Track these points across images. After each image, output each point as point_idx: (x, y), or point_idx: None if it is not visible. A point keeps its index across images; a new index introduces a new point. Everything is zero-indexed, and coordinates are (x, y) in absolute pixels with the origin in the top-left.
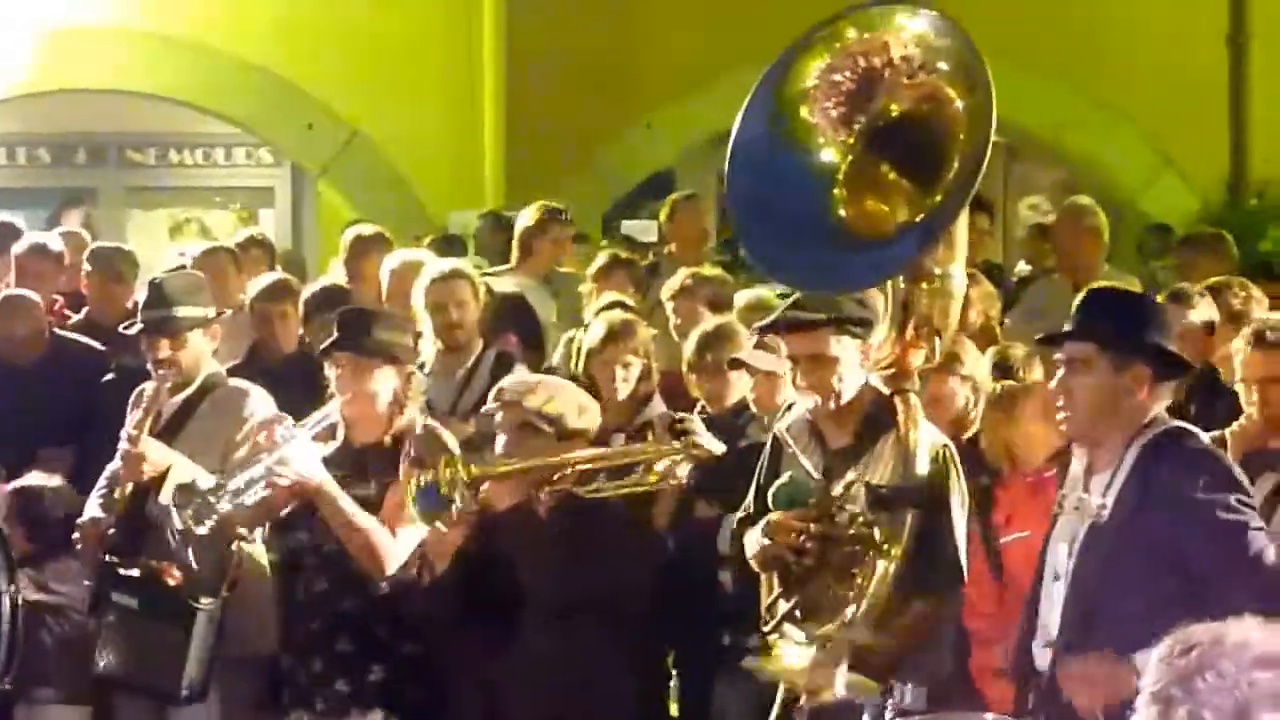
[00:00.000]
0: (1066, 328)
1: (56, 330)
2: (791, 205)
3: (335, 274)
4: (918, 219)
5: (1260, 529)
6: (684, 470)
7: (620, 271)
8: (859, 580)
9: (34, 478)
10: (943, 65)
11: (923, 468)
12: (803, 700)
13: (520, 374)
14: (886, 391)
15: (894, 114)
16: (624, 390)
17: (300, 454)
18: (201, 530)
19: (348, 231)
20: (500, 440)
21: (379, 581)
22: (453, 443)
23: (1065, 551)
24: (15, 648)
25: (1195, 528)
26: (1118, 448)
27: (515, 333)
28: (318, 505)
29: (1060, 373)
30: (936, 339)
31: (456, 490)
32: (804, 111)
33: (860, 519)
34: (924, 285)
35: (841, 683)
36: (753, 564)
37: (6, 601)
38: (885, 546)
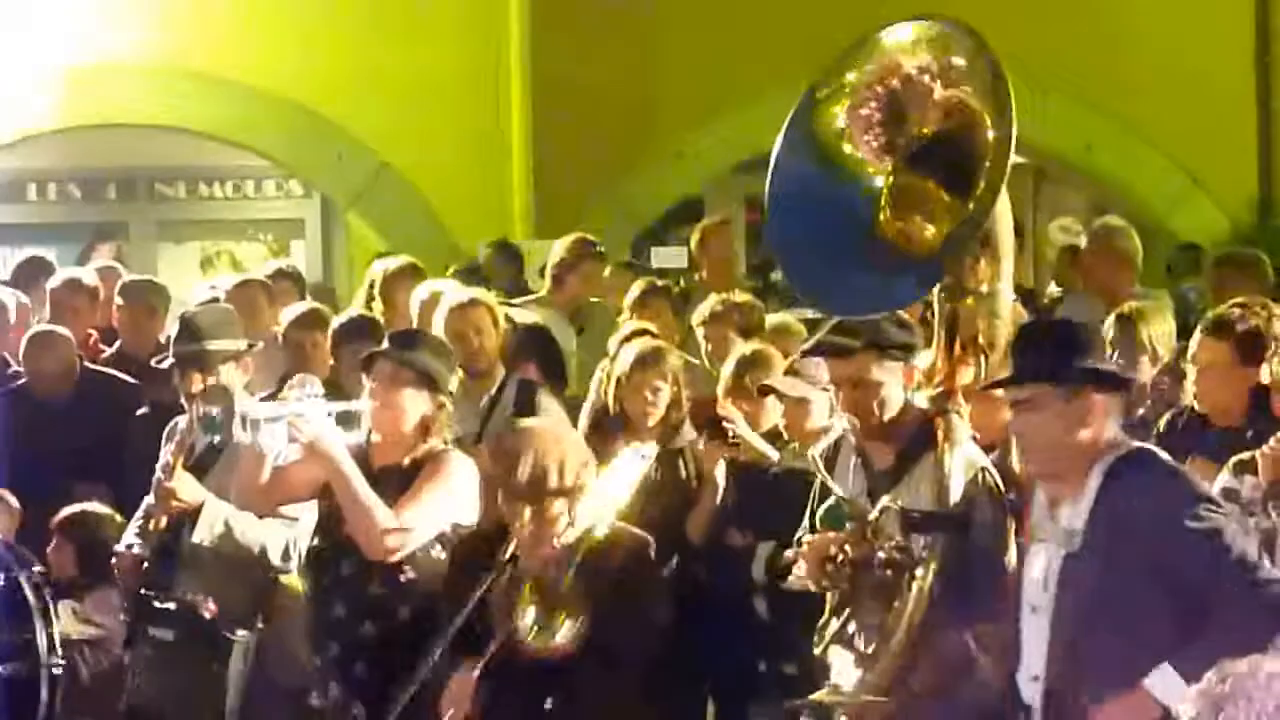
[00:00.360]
0: (1006, 373)
1: (87, 364)
2: (838, 232)
3: (360, 304)
4: (953, 230)
5: (1234, 529)
6: (721, 472)
7: (658, 299)
8: (896, 604)
9: (86, 505)
10: (958, 61)
11: (957, 490)
12: None
13: (521, 427)
14: (931, 412)
15: (926, 131)
16: (655, 416)
17: (321, 416)
18: (208, 439)
19: (375, 264)
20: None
21: (379, 562)
22: None
23: (1040, 584)
24: (55, 693)
25: (1173, 543)
26: (1081, 474)
27: (536, 362)
28: (324, 471)
29: (1011, 417)
30: (984, 357)
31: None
32: (847, 148)
33: (893, 543)
34: (969, 303)
35: None
36: (797, 584)
37: (46, 675)
38: (918, 570)
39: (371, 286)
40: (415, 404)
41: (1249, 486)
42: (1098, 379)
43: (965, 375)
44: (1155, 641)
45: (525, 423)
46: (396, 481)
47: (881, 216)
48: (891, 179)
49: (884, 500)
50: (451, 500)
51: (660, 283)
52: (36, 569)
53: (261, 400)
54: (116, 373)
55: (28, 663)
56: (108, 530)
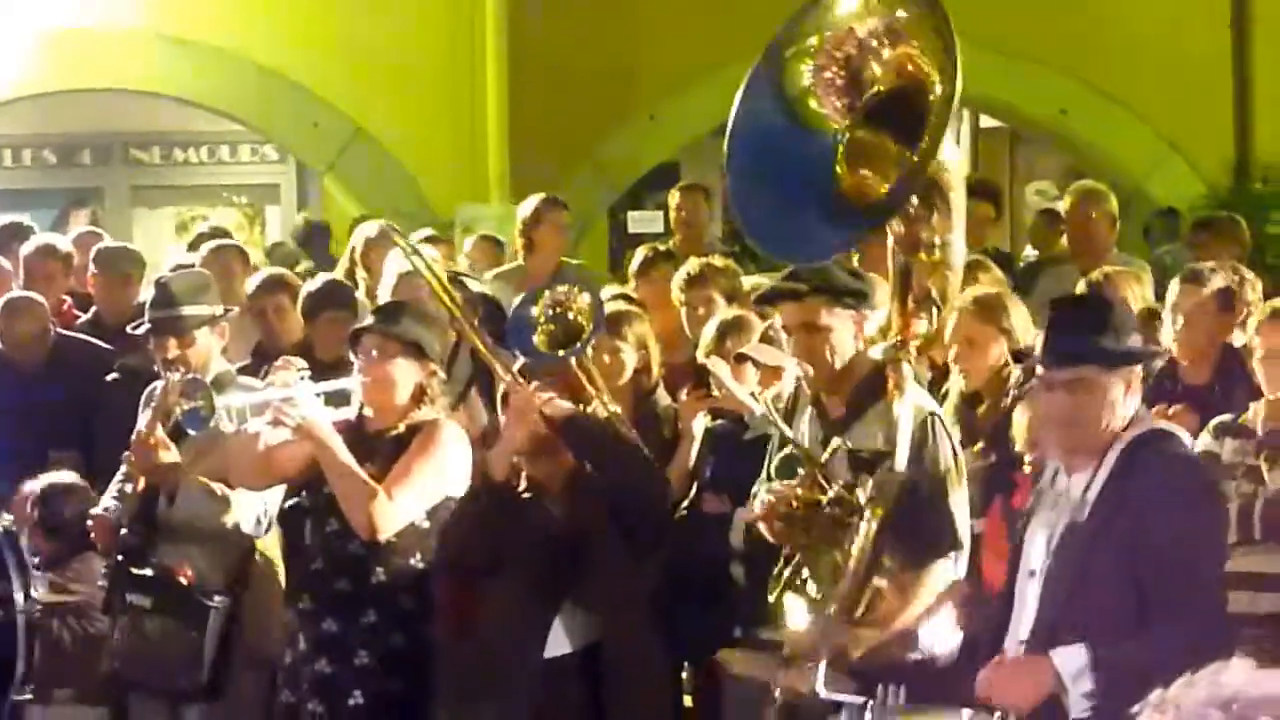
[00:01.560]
0: (1040, 350)
1: (60, 331)
2: (794, 182)
3: (342, 271)
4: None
5: (1219, 549)
6: (700, 426)
7: (661, 266)
8: (845, 544)
9: (53, 477)
10: (900, 14)
11: (906, 433)
12: (776, 695)
13: None
14: (882, 361)
15: (881, 91)
16: (619, 379)
17: (309, 399)
18: (190, 430)
19: (356, 231)
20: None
21: (374, 544)
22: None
23: (1042, 547)
24: (32, 657)
25: (1159, 532)
26: (1102, 447)
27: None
28: (315, 453)
29: (1055, 395)
30: (935, 309)
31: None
32: (813, 103)
33: (842, 483)
34: (922, 256)
35: (821, 682)
36: (757, 526)
37: (22, 621)
38: (866, 509)
39: (353, 253)
40: (406, 374)
41: (1229, 450)
42: (1140, 357)
43: (919, 327)
44: (1124, 620)
45: None
46: (390, 447)
47: (838, 170)
48: (846, 134)
49: (835, 442)
50: (443, 474)
51: (662, 248)
52: (6, 518)
53: (238, 371)
54: (90, 338)
55: (4, 610)
56: (76, 503)
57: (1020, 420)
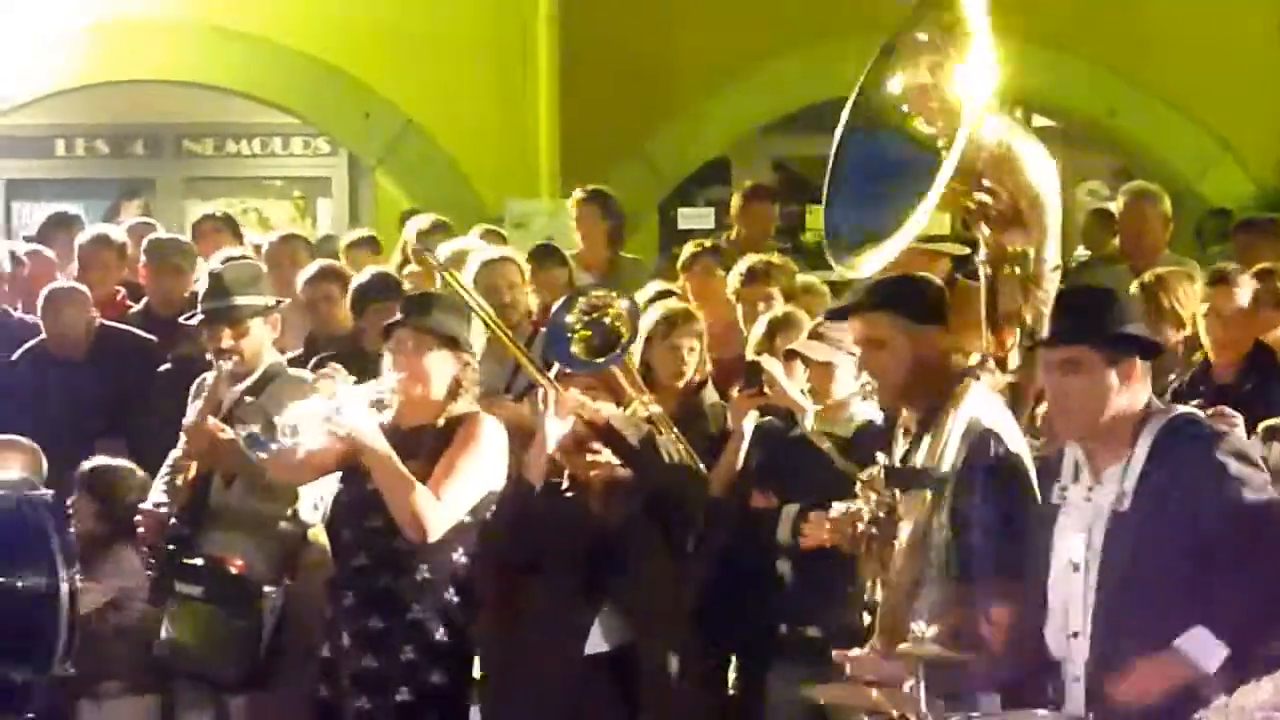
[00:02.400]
0: (1047, 333)
1: (103, 322)
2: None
3: (394, 265)
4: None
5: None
6: (749, 424)
7: (706, 261)
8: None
9: (110, 460)
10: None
11: (953, 448)
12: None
13: None
14: (958, 379)
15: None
16: (684, 378)
17: (355, 406)
18: (257, 456)
19: (408, 224)
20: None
21: (421, 545)
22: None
23: (1082, 542)
24: (75, 632)
25: (1220, 509)
26: (1123, 438)
27: None
28: (365, 461)
29: (1052, 377)
30: (1025, 323)
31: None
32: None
33: (881, 499)
34: (1008, 272)
35: (920, 706)
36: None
37: (65, 588)
38: (904, 525)
39: (405, 247)
40: (441, 367)
41: (1277, 453)
42: (1140, 345)
43: (1009, 342)
44: (1191, 601)
45: None
46: (431, 442)
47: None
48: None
49: (880, 457)
50: (485, 470)
51: (709, 243)
52: (44, 491)
53: (291, 361)
54: (134, 329)
55: (47, 577)
56: (129, 486)
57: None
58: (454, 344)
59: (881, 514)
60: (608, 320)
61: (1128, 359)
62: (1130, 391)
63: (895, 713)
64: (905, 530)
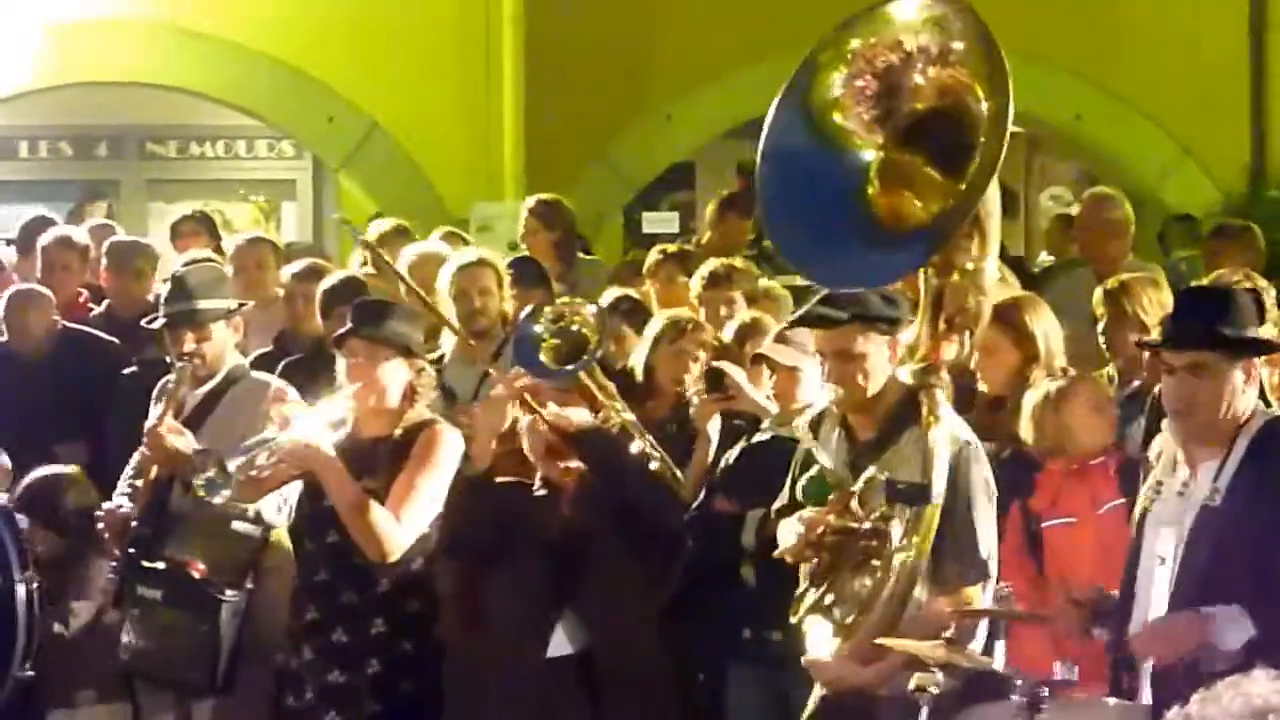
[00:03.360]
0: (1161, 333)
1: (66, 324)
2: (827, 204)
3: (354, 267)
4: (945, 209)
5: None
6: (715, 428)
7: (670, 266)
8: (878, 573)
9: (49, 468)
10: (957, 45)
11: (943, 464)
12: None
13: None
14: (914, 386)
15: (921, 109)
16: (689, 385)
17: (309, 428)
18: (214, 500)
19: (370, 228)
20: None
21: (381, 564)
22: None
23: (1171, 536)
24: (33, 635)
25: None
26: (1224, 437)
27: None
28: (322, 482)
29: (1176, 380)
30: (968, 333)
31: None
32: (838, 118)
33: (878, 513)
34: (956, 280)
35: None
36: (787, 558)
37: (22, 590)
38: (904, 540)
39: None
40: (396, 375)
41: None
42: (1262, 347)
43: (949, 351)
44: (1269, 601)
45: None
46: (389, 454)
47: (870, 191)
48: (881, 154)
49: (870, 471)
50: (445, 482)
51: (674, 249)
52: (3, 495)
53: (259, 359)
54: (96, 331)
55: (4, 578)
56: (70, 493)
57: (1037, 424)
58: (407, 351)
59: (882, 527)
60: (575, 328)
61: (1251, 363)
62: (1249, 394)
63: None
64: (905, 546)
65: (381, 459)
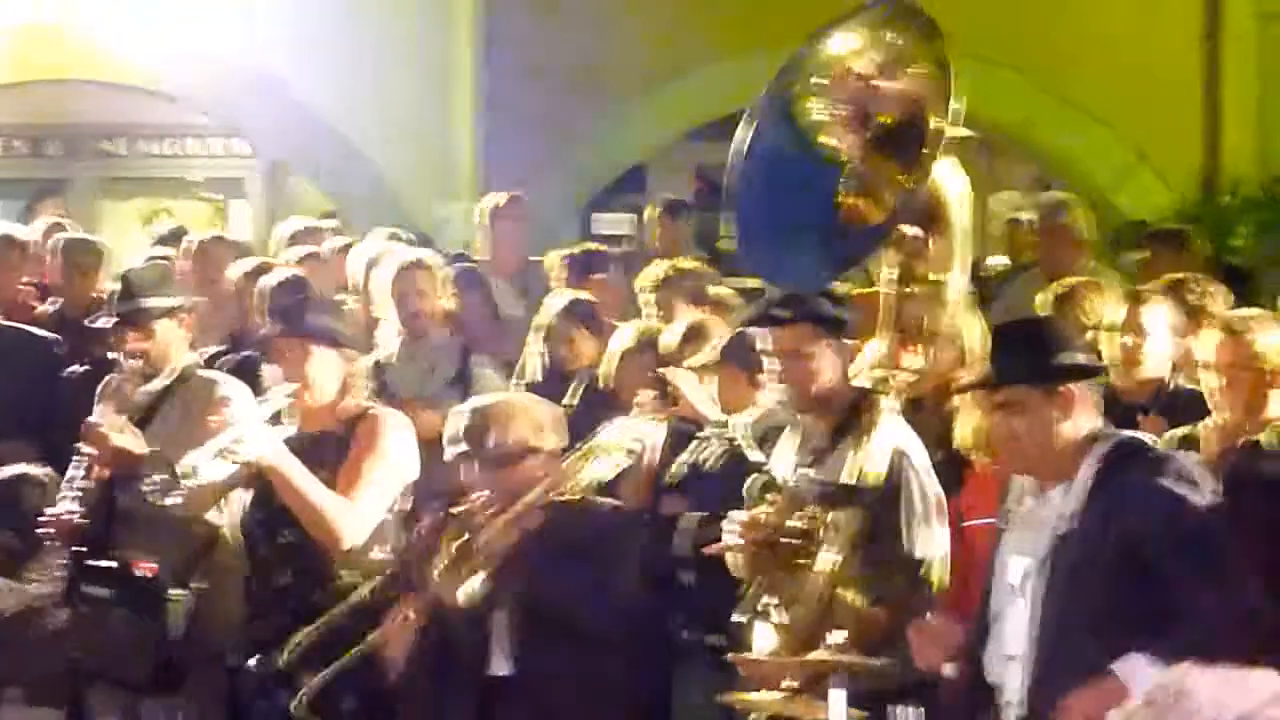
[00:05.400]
0: (986, 374)
1: (2, 323)
2: (800, 209)
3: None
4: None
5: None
6: (659, 438)
7: (599, 265)
8: (806, 573)
9: (14, 468)
10: (900, 42)
11: (876, 468)
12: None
13: (474, 403)
14: (863, 391)
15: (887, 123)
16: (648, 396)
17: (253, 430)
18: (166, 502)
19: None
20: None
21: (337, 554)
22: None
23: (1026, 565)
24: None
25: (1164, 529)
26: (1068, 462)
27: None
28: (273, 482)
29: (995, 417)
30: (930, 345)
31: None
32: (824, 138)
33: (805, 514)
34: (917, 291)
35: (838, 711)
36: (715, 553)
37: None
38: (830, 543)
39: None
40: (328, 368)
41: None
42: (1073, 373)
43: (910, 361)
44: (1130, 627)
45: (489, 399)
46: (334, 446)
47: (837, 198)
48: (850, 163)
49: (803, 472)
50: (394, 468)
51: (598, 247)
52: None
53: (213, 357)
54: (32, 330)
55: None
56: (31, 494)
57: (963, 424)
58: (333, 342)
59: (806, 526)
60: None
61: (1064, 390)
62: (1074, 419)
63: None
64: (832, 547)
65: (327, 451)
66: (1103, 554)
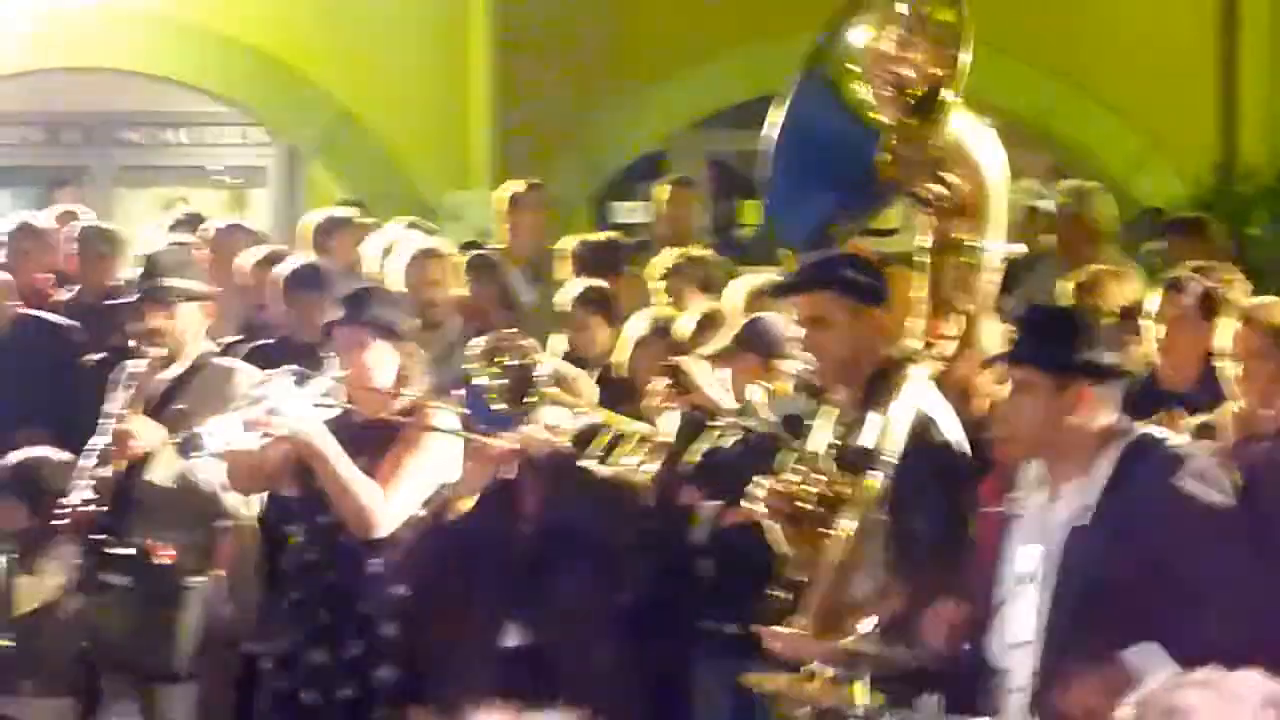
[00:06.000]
0: (1008, 349)
1: (22, 310)
2: (841, 170)
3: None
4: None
5: (1237, 536)
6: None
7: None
8: (829, 541)
9: (36, 450)
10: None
11: (898, 436)
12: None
13: None
14: (895, 360)
15: (916, 93)
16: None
17: (294, 405)
18: (187, 459)
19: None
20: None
21: (368, 540)
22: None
23: (1035, 555)
24: (8, 604)
25: (1177, 526)
26: (1084, 456)
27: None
28: (309, 460)
29: (1007, 393)
30: (965, 311)
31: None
32: (871, 113)
33: (828, 481)
34: (952, 258)
35: (862, 697)
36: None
37: (2, 560)
38: (850, 509)
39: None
40: (384, 360)
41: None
42: (1090, 372)
43: (946, 329)
44: (1143, 621)
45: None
46: (381, 436)
47: (878, 158)
48: (888, 129)
49: (825, 439)
50: (435, 465)
51: (606, 238)
52: None
53: (227, 348)
54: (53, 317)
55: None
56: (56, 479)
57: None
58: (391, 334)
59: (829, 494)
60: (514, 360)
61: (1075, 385)
62: (1083, 414)
63: (830, 705)
64: (849, 514)
65: (371, 440)
66: (1115, 550)
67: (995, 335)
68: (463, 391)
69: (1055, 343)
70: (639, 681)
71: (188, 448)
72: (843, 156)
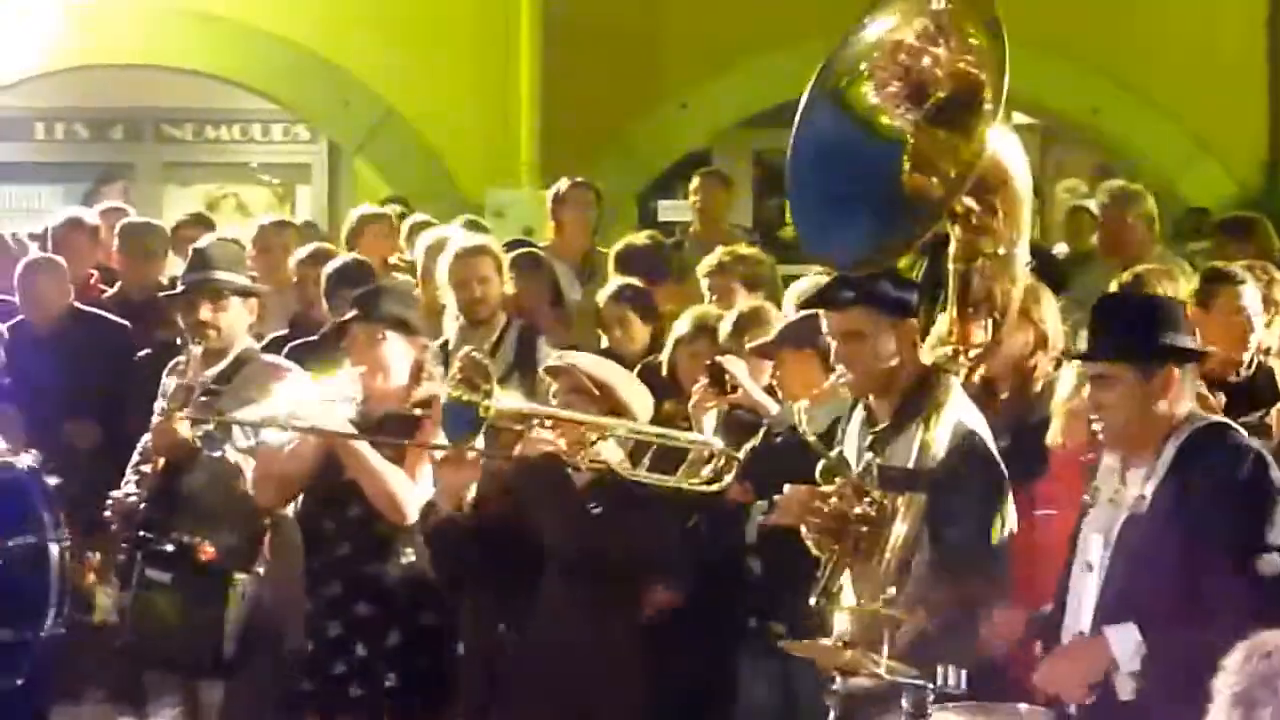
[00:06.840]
0: (1085, 343)
1: (76, 304)
2: (861, 186)
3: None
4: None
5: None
6: (709, 422)
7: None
8: (876, 560)
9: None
10: (939, 4)
11: (940, 450)
12: (837, 683)
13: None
14: (930, 371)
15: (940, 96)
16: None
17: (315, 404)
18: (212, 452)
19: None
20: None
21: (400, 526)
22: (494, 372)
23: (1099, 542)
24: (65, 593)
25: (1226, 519)
26: (1154, 443)
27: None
28: (338, 453)
29: (1089, 388)
30: (994, 319)
31: (488, 416)
32: (885, 119)
33: (870, 499)
34: (982, 265)
35: (884, 664)
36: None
37: (55, 549)
38: (896, 527)
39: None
40: (399, 354)
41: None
42: (1176, 356)
43: (976, 336)
44: (1181, 610)
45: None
46: (405, 427)
47: (903, 174)
48: (912, 139)
49: (867, 456)
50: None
51: (647, 237)
52: (34, 453)
53: (273, 342)
54: (106, 313)
55: (35, 537)
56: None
57: (1057, 414)
58: (405, 329)
59: (873, 513)
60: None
61: (1162, 371)
62: (1170, 400)
63: (864, 671)
64: (896, 532)
65: (397, 430)
66: (1169, 538)
67: (1053, 312)
68: None
69: (1136, 332)
70: (685, 679)
71: (209, 444)
72: (866, 174)
